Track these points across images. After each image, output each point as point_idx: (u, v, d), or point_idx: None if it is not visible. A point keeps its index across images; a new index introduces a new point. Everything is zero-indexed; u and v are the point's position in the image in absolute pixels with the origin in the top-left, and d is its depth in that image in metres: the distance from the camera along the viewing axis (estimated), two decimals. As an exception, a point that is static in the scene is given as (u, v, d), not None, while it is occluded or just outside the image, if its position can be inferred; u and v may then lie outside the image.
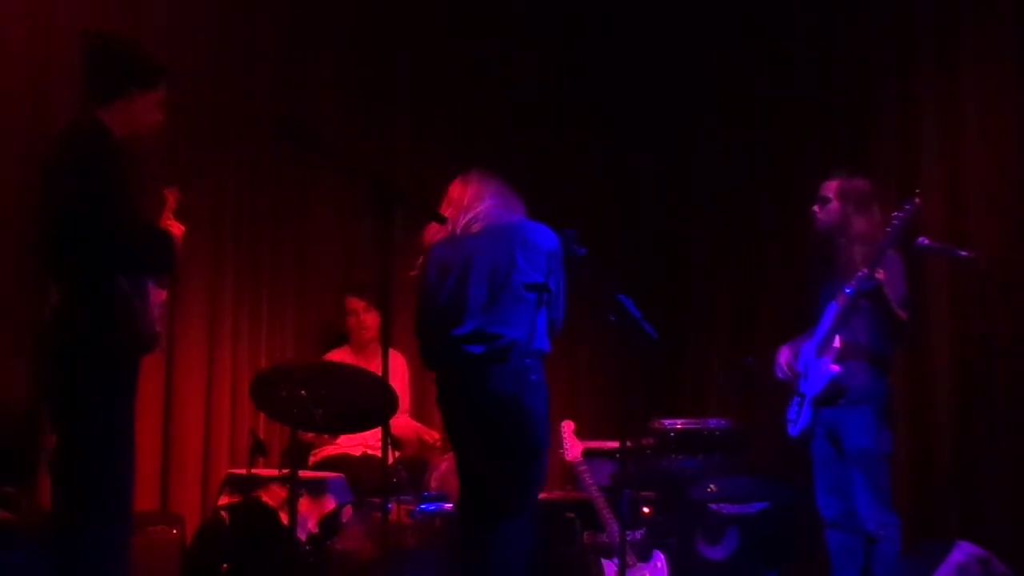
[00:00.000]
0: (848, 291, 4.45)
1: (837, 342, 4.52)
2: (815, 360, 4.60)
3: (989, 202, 5.32)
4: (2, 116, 5.45)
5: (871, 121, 5.93)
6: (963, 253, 4.74)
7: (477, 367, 4.00)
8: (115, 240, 3.38)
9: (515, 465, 4.03)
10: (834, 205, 4.63)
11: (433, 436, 5.82)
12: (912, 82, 5.71)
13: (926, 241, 4.68)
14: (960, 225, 5.36)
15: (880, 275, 4.35)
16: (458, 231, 4.13)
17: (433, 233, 4.19)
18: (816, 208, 4.69)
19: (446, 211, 4.14)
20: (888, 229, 4.34)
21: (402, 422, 5.73)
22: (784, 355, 4.77)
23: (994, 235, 5.23)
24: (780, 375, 4.76)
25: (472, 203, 4.16)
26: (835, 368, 4.51)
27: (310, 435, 5.52)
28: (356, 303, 5.90)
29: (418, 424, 5.92)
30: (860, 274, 4.38)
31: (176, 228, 3.75)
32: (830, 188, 4.66)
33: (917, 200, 4.34)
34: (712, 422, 5.77)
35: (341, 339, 6.03)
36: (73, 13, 5.50)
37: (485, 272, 4.05)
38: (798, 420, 4.67)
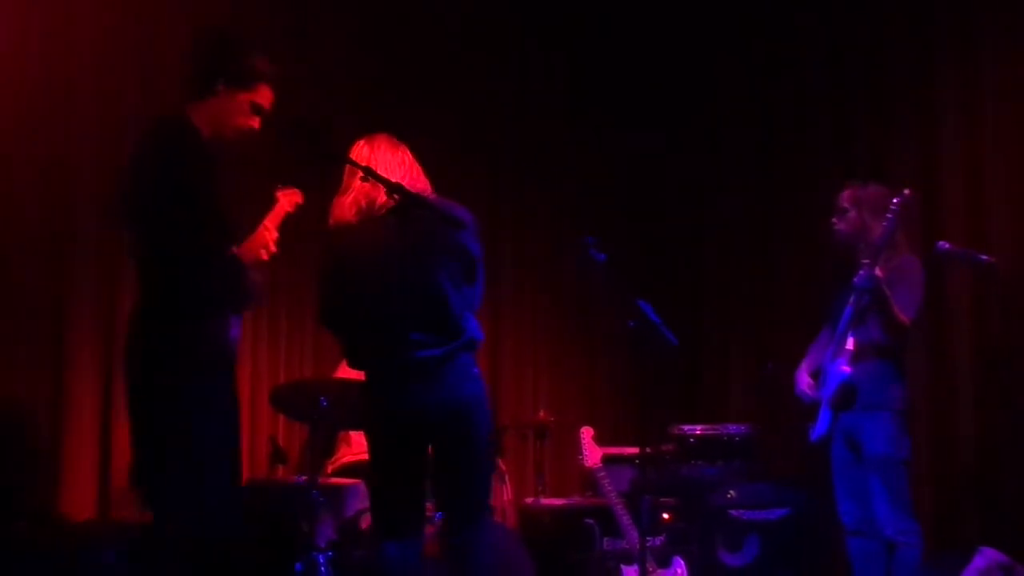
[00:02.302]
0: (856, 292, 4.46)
1: (850, 344, 4.52)
2: (831, 362, 4.59)
3: (1010, 206, 5.30)
4: (24, 117, 5.47)
5: (890, 125, 5.91)
6: (984, 258, 4.72)
7: (429, 368, 3.73)
8: (190, 262, 3.28)
9: (484, 461, 3.87)
10: (851, 214, 4.63)
11: None
12: (931, 86, 5.70)
13: (947, 245, 4.67)
14: (981, 230, 5.34)
15: (879, 272, 4.35)
16: (366, 208, 3.77)
17: (341, 210, 3.80)
18: (835, 220, 4.68)
19: (348, 178, 3.82)
20: (884, 224, 4.34)
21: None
22: (804, 380, 4.75)
23: (1015, 239, 5.21)
24: (806, 400, 4.74)
25: (383, 174, 3.74)
26: (846, 370, 4.50)
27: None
28: None
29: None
30: (859, 272, 4.39)
31: (270, 235, 3.63)
32: (845, 198, 4.66)
33: (907, 192, 4.34)
34: (732, 428, 5.75)
35: None
36: (84, 11, 5.53)
37: (407, 263, 3.74)
38: (817, 424, 4.66)
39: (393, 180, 3.68)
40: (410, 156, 3.89)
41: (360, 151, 3.85)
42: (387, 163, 3.80)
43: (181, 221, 3.25)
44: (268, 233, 3.68)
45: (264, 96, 3.53)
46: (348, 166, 3.80)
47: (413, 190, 3.73)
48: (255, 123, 3.54)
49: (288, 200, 3.93)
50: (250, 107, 3.50)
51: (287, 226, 6.03)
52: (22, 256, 5.42)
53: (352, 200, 3.78)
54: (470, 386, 3.78)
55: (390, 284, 3.73)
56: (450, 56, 6.73)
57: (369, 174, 3.65)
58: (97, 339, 5.53)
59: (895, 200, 4.33)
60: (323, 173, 6.01)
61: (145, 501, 3.44)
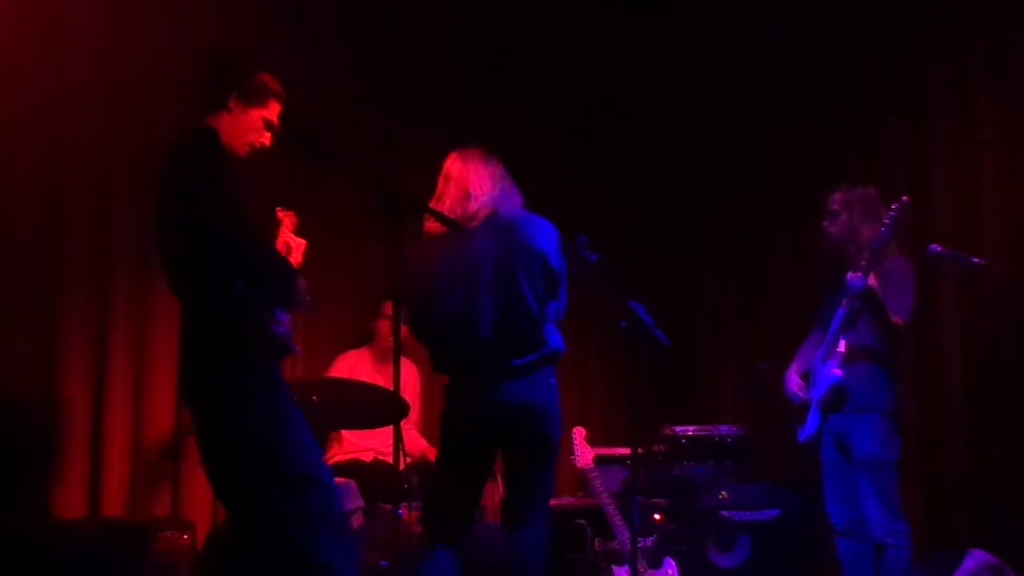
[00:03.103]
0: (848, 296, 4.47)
1: (842, 346, 4.53)
2: (821, 365, 4.61)
3: (1001, 209, 5.31)
4: (15, 117, 5.46)
5: (881, 128, 5.92)
6: (975, 260, 4.74)
7: (511, 376, 3.96)
8: (242, 257, 3.34)
9: (552, 464, 4.09)
10: (842, 217, 4.65)
11: None
12: (922, 89, 5.71)
13: (938, 248, 4.68)
14: (972, 233, 5.35)
15: (872, 280, 4.36)
16: (464, 222, 3.97)
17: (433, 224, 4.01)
18: (827, 223, 4.69)
19: (443, 187, 4.03)
20: (881, 230, 4.36)
21: (410, 437, 5.74)
22: (793, 382, 4.77)
23: (1006, 242, 5.22)
24: (796, 401, 4.76)
25: (476, 190, 4.00)
26: (837, 372, 4.51)
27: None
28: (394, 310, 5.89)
29: (426, 443, 5.93)
30: (851, 276, 4.39)
31: (296, 243, 3.70)
32: (836, 201, 4.68)
33: (905, 199, 4.35)
34: (724, 429, 5.77)
35: (361, 340, 6.04)
36: (85, 17, 5.53)
37: (495, 275, 3.97)
38: (806, 426, 4.67)
39: (486, 195, 3.96)
40: (502, 170, 4.08)
41: (453, 164, 4.06)
42: (479, 177, 4.02)
43: (237, 226, 3.31)
44: (294, 242, 3.74)
45: (274, 112, 3.60)
46: (442, 175, 4.03)
47: (505, 204, 3.98)
48: (266, 139, 3.61)
49: (289, 220, 3.95)
50: (263, 123, 3.57)
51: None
52: (14, 256, 5.41)
53: (447, 209, 3.97)
54: (547, 394, 4.01)
55: (477, 295, 3.94)
56: (447, 56, 6.74)
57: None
58: (88, 339, 5.52)
59: (893, 207, 4.34)
60: (318, 177, 6.10)
61: (231, 505, 3.51)
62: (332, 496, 3.48)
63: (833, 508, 4.66)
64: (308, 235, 6.13)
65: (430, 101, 6.65)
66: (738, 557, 5.46)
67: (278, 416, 3.41)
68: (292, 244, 3.73)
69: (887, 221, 4.34)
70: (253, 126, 3.55)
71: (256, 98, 3.54)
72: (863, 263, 4.39)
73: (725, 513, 5.46)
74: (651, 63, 7.09)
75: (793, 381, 4.77)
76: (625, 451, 5.59)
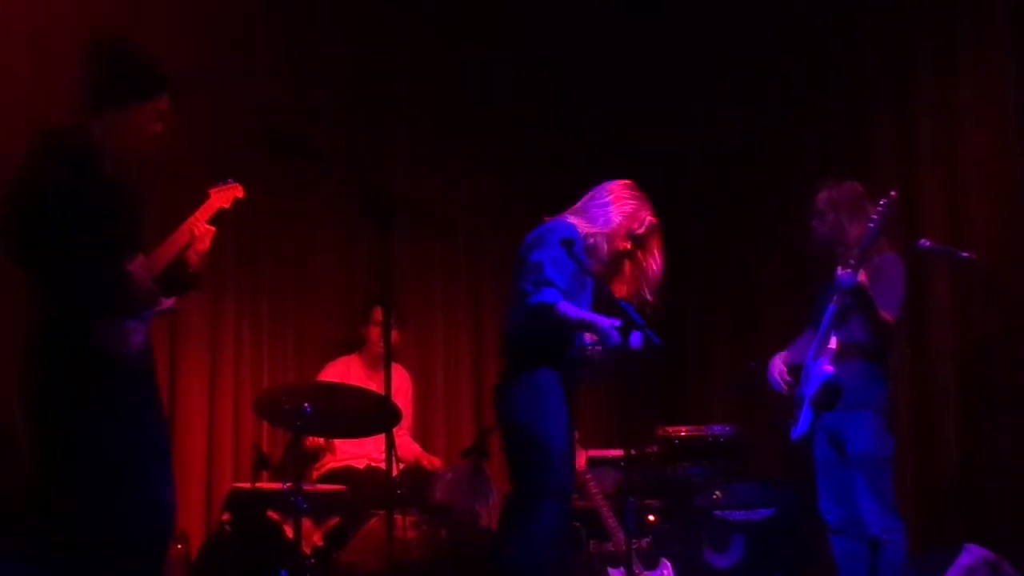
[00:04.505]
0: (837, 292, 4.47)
1: (833, 343, 4.52)
2: (813, 361, 4.60)
3: (989, 203, 5.32)
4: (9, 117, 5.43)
5: (868, 125, 5.93)
6: (964, 255, 4.74)
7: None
8: (70, 261, 3.33)
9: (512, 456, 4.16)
10: (829, 216, 4.63)
11: (434, 463, 5.81)
12: (909, 86, 5.72)
13: (927, 243, 4.68)
14: (960, 227, 5.36)
15: (862, 276, 4.35)
16: None
17: None
18: (815, 223, 4.68)
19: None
20: (869, 225, 4.35)
21: (403, 443, 5.71)
22: (777, 367, 4.76)
23: (995, 236, 5.23)
24: (777, 389, 4.75)
25: None
26: (829, 369, 4.50)
27: (317, 441, 5.53)
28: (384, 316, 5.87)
29: (419, 449, 5.92)
30: (840, 273, 4.38)
31: (198, 229, 3.69)
32: (821, 200, 4.67)
33: (893, 194, 4.33)
34: (716, 429, 5.76)
35: (351, 346, 6.02)
36: (75, 14, 5.49)
37: None
38: (798, 423, 4.66)
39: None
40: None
41: None
42: None
43: (60, 230, 3.29)
44: (197, 231, 3.74)
45: (165, 101, 3.57)
46: None
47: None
48: (159, 128, 3.58)
49: (223, 197, 3.97)
50: (155, 115, 3.56)
51: (274, 229, 6.13)
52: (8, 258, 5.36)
53: None
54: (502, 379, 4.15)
55: None
56: (442, 56, 6.73)
57: None
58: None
59: (881, 202, 4.32)
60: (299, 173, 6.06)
61: (44, 513, 3.44)
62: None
63: (826, 506, 4.65)
64: (297, 240, 6.23)
65: (419, 104, 6.64)
66: (733, 557, 5.46)
67: (104, 434, 3.36)
68: (197, 232, 3.70)
69: (875, 217, 4.33)
70: (149, 119, 3.53)
71: (148, 91, 3.51)
72: (852, 260, 4.38)
73: (719, 513, 5.46)
74: (642, 61, 7.08)
75: (776, 366, 4.74)
76: (618, 452, 5.58)
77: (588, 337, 4.07)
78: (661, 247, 4.23)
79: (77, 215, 3.31)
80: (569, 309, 3.94)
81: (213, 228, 3.75)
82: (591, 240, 4.09)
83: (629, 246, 4.18)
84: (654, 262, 4.21)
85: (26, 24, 5.46)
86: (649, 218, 4.21)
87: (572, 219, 4.14)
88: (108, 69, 3.52)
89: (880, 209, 4.32)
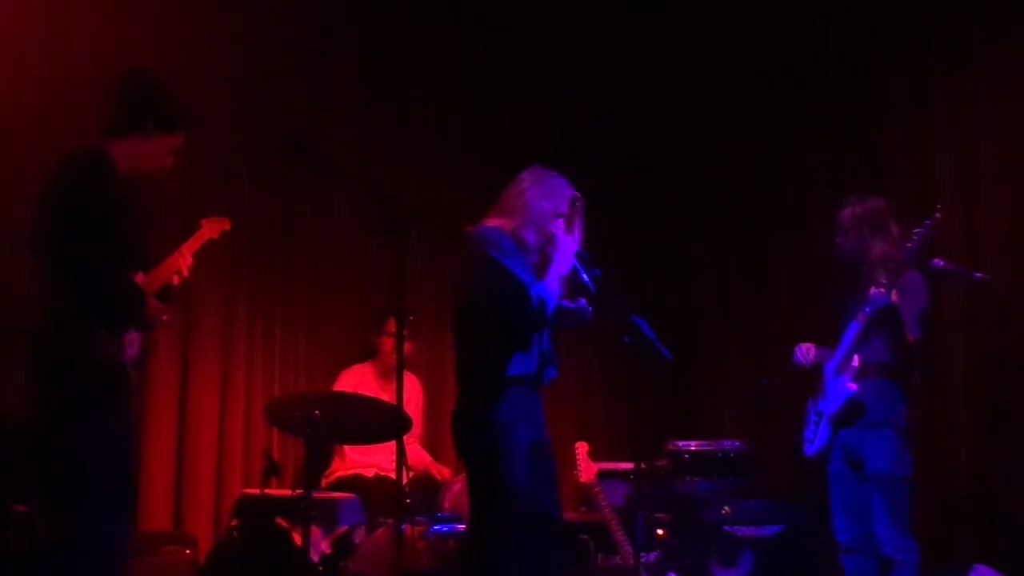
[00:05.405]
0: (867, 310, 4.44)
1: (855, 361, 4.50)
2: (834, 379, 4.58)
3: (1003, 224, 5.31)
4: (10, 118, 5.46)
5: (883, 143, 5.92)
6: (978, 275, 4.72)
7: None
8: (92, 279, 3.41)
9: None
10: (853, 233, 4.62)
11: (444, 472, 5.81)
12: (924, 101, 5.72)
13: (941, 263, 4.66)
14: (975, 247, 5.35)
15: (894, 297, 4.33)
16: None
17: None
18: (839, 240, 4.67)
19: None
20: (908, 245, 4.32)
21: (413, 452, 5.71)
22: (805, 345, 4.74)
23: (1009, 257, 5.22)
24: (799, 357, 4.72)
25: None
26: (852, 387, 4.49)
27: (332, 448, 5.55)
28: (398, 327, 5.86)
29: (429, 458, 5.91)
30: (874, 292, 4.37)
31: (184, 261, 3.93)
32: (846, 217, 4.65)
33: (937, 215, 4.31)
34: (727, 443, 5.74)
35: (363, 354, 6.03)
36: (88, 28, 5.55)
37: None
38: (815, 439, 4.65)
39: None
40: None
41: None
42: None
43: (88, 247, 3.39)
44: (182, 259, 4.05)
45: (181, 140, 3.71)
46: None
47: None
48: (170, 163, 3.72)
49: (212, 228, 4.29)
50: (170, 150, 3.68)
51: (287, 237, 6.15)
52: (18, 258, 5.38)
53: None
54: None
55: None
56: (442, 58, 6.75)
57: None
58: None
59: (926, 222, 4.28)
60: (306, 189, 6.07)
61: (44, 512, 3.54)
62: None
63: (839, 524, 4.62)
64: (310, 248, 6.24)
65: (430, 114, 6.66)
66: (741, 572, 5.44)
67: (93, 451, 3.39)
68: (183, 262, 4.00)
69: (915, 237, 4.29)
70: (164, 151, 3.66)
71: (172, 126, 3.65)
72: (883, 280, 4.35)
73: (728, 528, 5.44)
74: (647, 71, 7.09)
75: (805, 345, 4.72)
76: (628, 466, 5.57)
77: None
78: (582, 225, 4.10)
79: (113, 232, 3.43)
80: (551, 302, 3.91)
81: (191, 260, 4.05)
82: (519, 233, 3.98)
83: (561, 226, 4.05)
84: (572, 240, 4.06)
85: (39, 32, 5.49)
86: (569, 192, 4.11)
87: (492, 221, 4.03)
88: (143, 95, 3.65)
89: (923, 230, 4.28)
